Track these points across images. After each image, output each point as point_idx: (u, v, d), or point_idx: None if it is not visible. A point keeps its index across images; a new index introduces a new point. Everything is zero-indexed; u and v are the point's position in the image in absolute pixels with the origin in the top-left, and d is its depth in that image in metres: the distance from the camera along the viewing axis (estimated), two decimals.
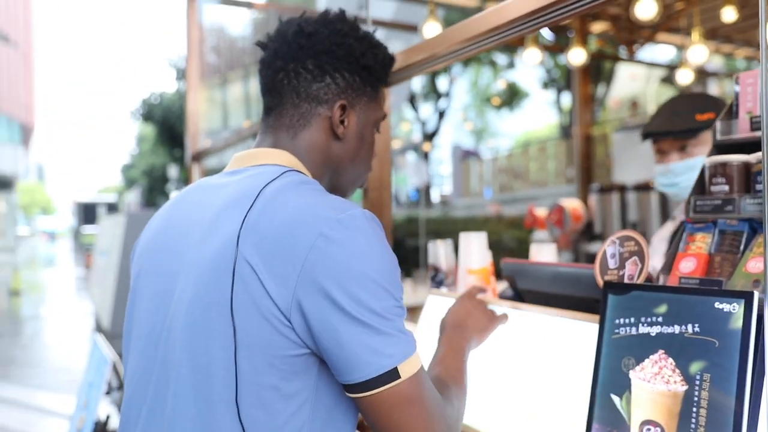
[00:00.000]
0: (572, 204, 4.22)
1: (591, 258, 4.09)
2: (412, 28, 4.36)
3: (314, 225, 0.91)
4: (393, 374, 0.88)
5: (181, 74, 20.49)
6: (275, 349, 0.90)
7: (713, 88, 13.61)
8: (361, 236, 0.91)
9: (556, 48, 5.72)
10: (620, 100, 17.58)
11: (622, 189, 4.12)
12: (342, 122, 1.11)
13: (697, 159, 1.90)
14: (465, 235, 1.74)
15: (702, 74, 7.15)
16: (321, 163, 1.11)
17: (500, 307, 1.49)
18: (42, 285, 17.00)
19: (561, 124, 19.76)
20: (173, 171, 21.86)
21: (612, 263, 1.18)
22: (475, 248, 1.73)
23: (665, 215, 3.79)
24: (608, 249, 1.19)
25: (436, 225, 9.23)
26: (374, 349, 0.88)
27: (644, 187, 3.95)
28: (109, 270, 5.61)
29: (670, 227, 2.13)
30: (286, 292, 0.89)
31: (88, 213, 35.80)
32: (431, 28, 3.86)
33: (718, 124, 1.23)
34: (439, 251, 1.86)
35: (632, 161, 4.75)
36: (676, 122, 1.94)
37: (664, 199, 3.83)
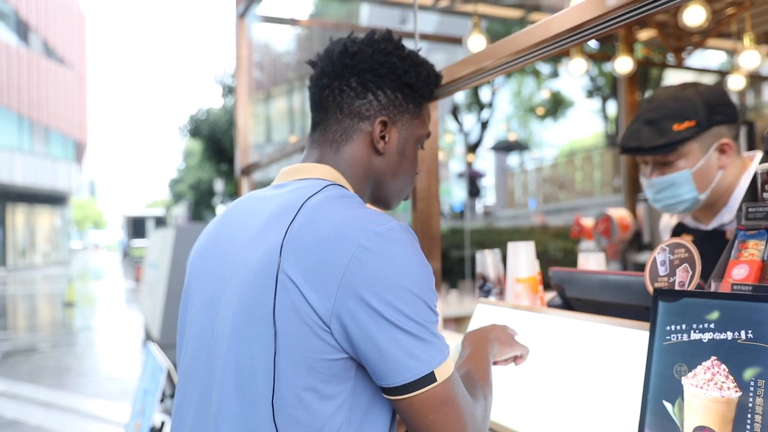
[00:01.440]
0: (620, 213, 4.16)
1: (639, 268, 4.01)
2: (456, 41, 4.39)
3: (354, 237, 0.95)
4: (430, 378, 0.93)
5: (228, 90, 20.96)
6: (315, 353, 0.94)
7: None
8: (398, 247, 0.95)
9: (602, 56, 5.66)
10: None
11: None
12: (383, 137, 1.15)
13: (680, 174, 1.66)
14: (513, 244, 1.76)
15: (756, 78, 6.96)
16: (363, 176, 1.15)
17: (550, 315, 1.50)
18: (94, 297, 17.52)
19: (607, 132, 19.44)
20: (219, 185, 22.33)
21: (662, 270, 1.18)
22: (523, 257, 1.74)
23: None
24: (658, 256, 1.19)
25: (480, 236, 9.19)
26: (412, 355, 0.93)
27: None
28: (158, 282, 5.76)
29: (667, 219, 1.99)
30: (326, 302, 0.93)
31: (137, 227, 36.74)
32: (476, 41, 3.89)
33: None
34: (487, 260, 1.88)
35: None
36: (649, 135, 1.66)
37: None
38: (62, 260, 38.69)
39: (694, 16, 3.18)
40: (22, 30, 31.17)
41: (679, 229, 1.90)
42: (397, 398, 0.95)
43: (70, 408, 6.00)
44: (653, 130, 1.66)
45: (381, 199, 1.22)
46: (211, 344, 1.06)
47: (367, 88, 1.13)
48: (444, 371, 0.96)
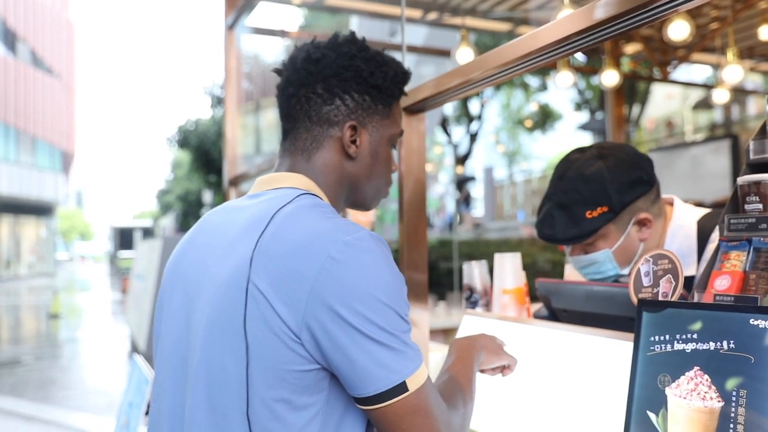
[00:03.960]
0: None
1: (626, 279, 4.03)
2: (444, 53, 4.42)
3: (322, 248, 0.95)
4: (401, 387, 0.93)
5: (216, 101, 20.94)
6: (286, 365, 0.94)
7: (752, 107, 13.36)
8: (367, 257, 0.95)
9: (589, 69, 5.73)
10: (656, 119, 17.39)
11: None
12: (354, 142, 1.14)
13: (600, 254, 1.58)
14: (500, 255, 1.76)
15: (740, 93, 7.05)
16: (336, 182, 1.15)
17: (536, 326, 1.51)
18: (80, 309, 17.35)
19: None
20: (207, 196, 22.25)
21: (646, 281, 1.19)
22: (509, 268, 1.75)
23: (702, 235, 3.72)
24: (642, 267, 1.20)
25: (469, 248, 9.21)
26: (383, 364, 0.93)
27: None
28: (145, 293, 5.73)
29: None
30: (296, 313, 0.93)
31: (124, 238, 36.52)
32: (464, 54, 3.92)
33: (751, 144, 1.24)
34: (473, 272, 1.89)
35: (669, 182, 4.70)
36: (561, 224, 1.58)
37: None
38: (48, 271, 38.30)
39: (678, 31, 3.22)
40: (10, 39, 31.02)
41: None
42: (369, 408, 0.95)
43: (54, 421, 5.92)
44: (566, 216, 1.58)
45: (358, 202, 1.22)
46: (184, 354, 1.06)
47: (333, 93, 1.13)
48: (416, 380, 0.95)
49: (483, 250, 9.17)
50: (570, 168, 1.62)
